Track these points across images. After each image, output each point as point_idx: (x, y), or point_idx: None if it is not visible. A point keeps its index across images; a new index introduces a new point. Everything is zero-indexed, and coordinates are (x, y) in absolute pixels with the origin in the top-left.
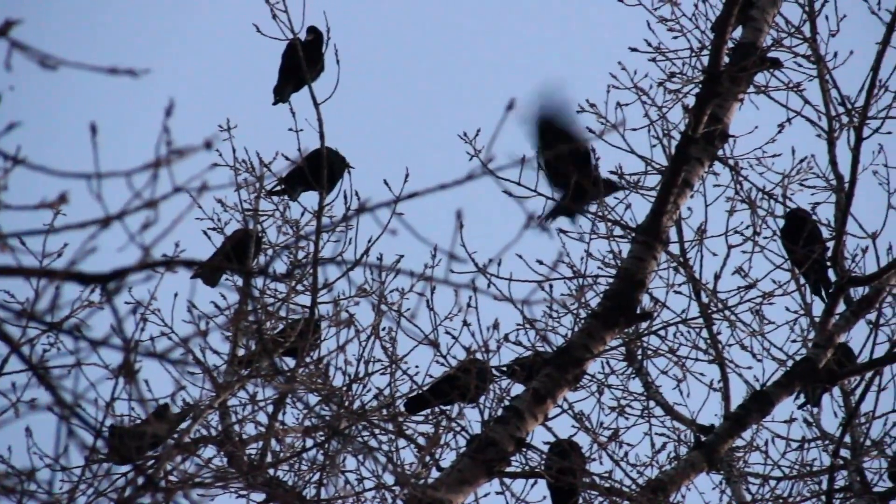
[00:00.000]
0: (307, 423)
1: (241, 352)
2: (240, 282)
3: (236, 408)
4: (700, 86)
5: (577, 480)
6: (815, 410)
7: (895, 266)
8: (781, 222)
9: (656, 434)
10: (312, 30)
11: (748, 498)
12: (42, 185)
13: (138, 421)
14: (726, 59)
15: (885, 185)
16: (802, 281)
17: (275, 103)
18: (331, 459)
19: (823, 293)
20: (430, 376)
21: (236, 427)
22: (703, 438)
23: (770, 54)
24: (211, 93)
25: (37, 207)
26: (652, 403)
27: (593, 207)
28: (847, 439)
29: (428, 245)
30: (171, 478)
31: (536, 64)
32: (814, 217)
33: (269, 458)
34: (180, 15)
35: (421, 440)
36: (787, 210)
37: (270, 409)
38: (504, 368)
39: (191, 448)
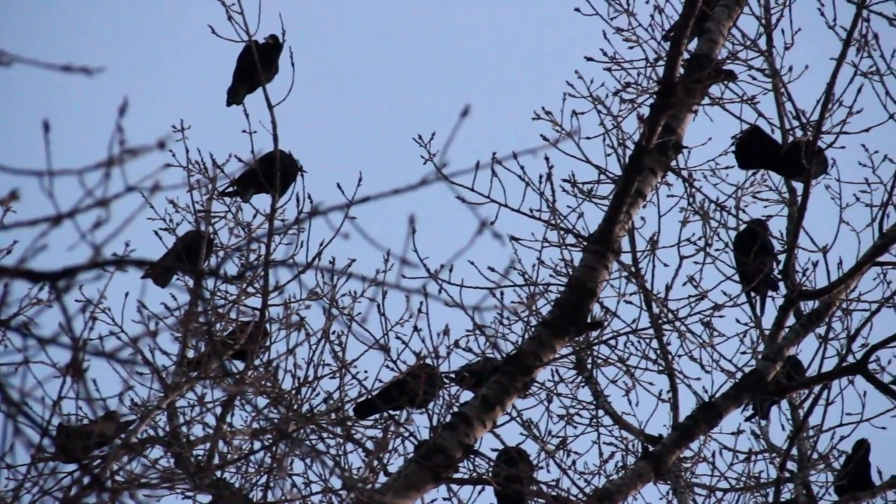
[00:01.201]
0: (255, 425)
1: (190, 353)
2: (190, 283)
3: (184, 409)
4: (655, 96)
5: (525, 488)
6: (763, 423)
7: (845, 281)
8: (734, 234)
9: (604, 443)
10: (268, 36)
11: None
12: None
13: (86, 420)
14: (681, 71)
15: (837, 200)
16: (754, 294)
17: (229, 105)
18: (278, 462)
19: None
20: (380, 381)
21: (184, 428)
22: (650, 448)
23: (725, 66)
24: (165, 93)
25: None
26: (601, 412)
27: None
28: (794, 452)
29: (380, 249)
30: (118, 478)
31: (493, 70)
32: (768, 229)
33: (216, 460)
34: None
35: (369, 445)
36: (742, 222)
37: (219, 410)
38: (453, 375)
39: (138, 448)
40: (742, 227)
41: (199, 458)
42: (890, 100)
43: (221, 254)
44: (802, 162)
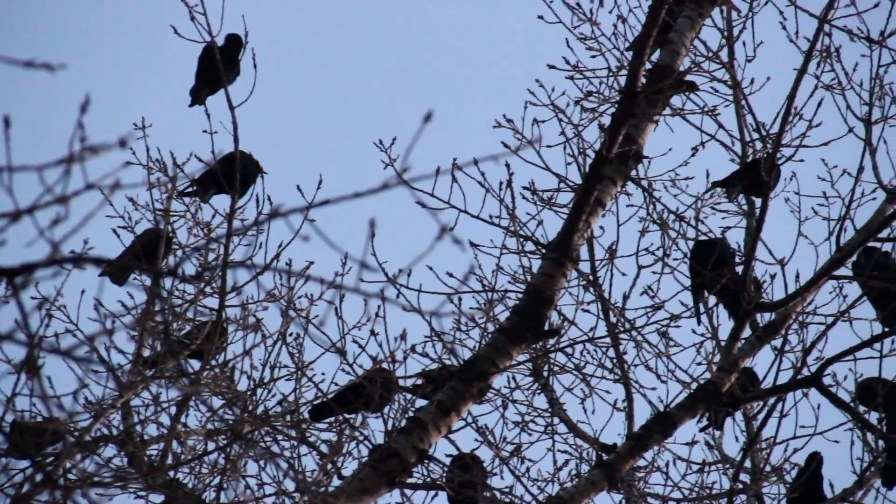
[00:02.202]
0: (210, 426)
1: (146, 352)
2: (148, 282)
3: (139, 408)
4: (616, 106)
5: (478, 494)
6: (717, 434)
7: (802, 293)
8: (691, 244)
9: (559, 451)
10: (230, 36)
11: None
12: None
13: (39, 417)
14: (643, 81)
15: (796, 213)
16: (712, 304)
17: (191, 105)
18: (232, 463)
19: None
20: (336, 384)
21: (138, 427)
22: (604, 457)
23: (687, 77)
24: (126, 91)
25: None
26: (556, 420)
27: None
28: (747, 464)
29: (339, 252)
30: (70, 476)
31: (456, 76)
32: (723, 243)
33: (169, 460)
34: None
35: (323, 448)
36: (701, 235)
37: (173, 410)
38: (412, 385)
39: (91, 447)
40: (700, 238)
41: (153, 457)
42: (850, 113)
43: (180, 253)
44: (761, 175)
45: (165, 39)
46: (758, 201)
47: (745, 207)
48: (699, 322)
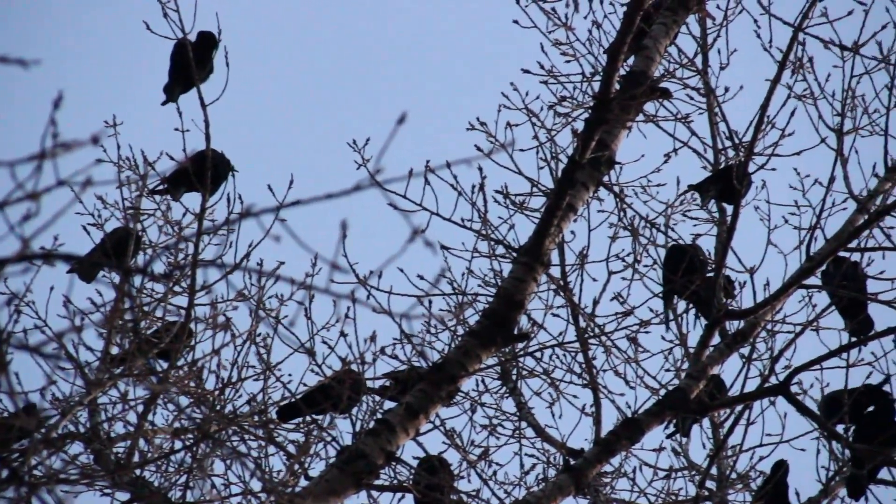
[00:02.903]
0: (177, 424)
1: (114, 350)
2: (117, 279)
3: (106, 405)
4: (590, 111)
5: (445, 497)
6: (684, 440)
7: (771, 302)
8: (662, 251)
9: (526, 455)
10: (203, 34)
11: None
12: None
13: (6, 413)
14: (617, 86)
15: (766, 221)
16: (681, 310)
17: (164, 103)
18: (199, 462)
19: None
20: (304, 385)
21: (105, 425)
22: (572, 462)
23: (661, 84)
24: (99, 88)
25: None
26: (524, 424)
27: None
28: (714, 471)
29: (310, 253)
30: (36, 472)
31: (430, 78)
32: (694, 250)
33: (136, 458)
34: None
35: (291, 448)
36: (671, 242)
37: (141, 408)
38: (380, 387)
39: (58, 444)
40: (671, 244)
41: (120, 455)
42: (822, 123)
43: (149, 252)
44: (733, 183)
45: (138, 36)
46: (729, 208)
47: (716, 215)
48: (668, 328)
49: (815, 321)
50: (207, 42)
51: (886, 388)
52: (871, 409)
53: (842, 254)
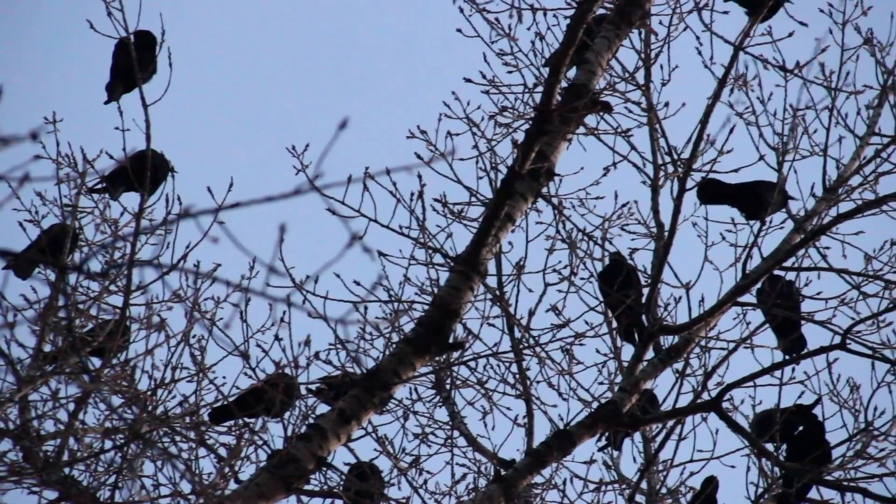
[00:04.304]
0: (108, 424)
1: (47, 347)
2: (52, 277)
3: (37, 403)
4: (530, 122)
5: None
6: (616, 454)
7: (706, 318)
8: (599, 264)
9: (457, 464)
10: (145, 33)
11: None
12: None
13: None
14: (558, 99)
15: (703, 238)
16: (614, 324)
17: (106, 102)
18: (129, 463)
19: (635, 338)
20: (237, 388)
21: (35, 422)
22: (502, 472)
23: (602, 98)
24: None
25: None
26: (456, 433)
27: None
28: (644, 485)
29: (247, 256)
30: None
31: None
32: (632, 262)
33: (65, 457)
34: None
35: (222, 451)
36: (608, 253)
37: (72, 407)
38: (314, 388)
39: None
40: (606, 258)
41: (49, 453)
42: (763, 142)
43: (86, 250)
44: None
45: (81, 34)
46: (667, 223)
47: (654, 230)
48: (631, 341)
49: (749, 339)
50: (149, 42)
51: (818, 409)
52: (801, 428)
53: (777, 272)
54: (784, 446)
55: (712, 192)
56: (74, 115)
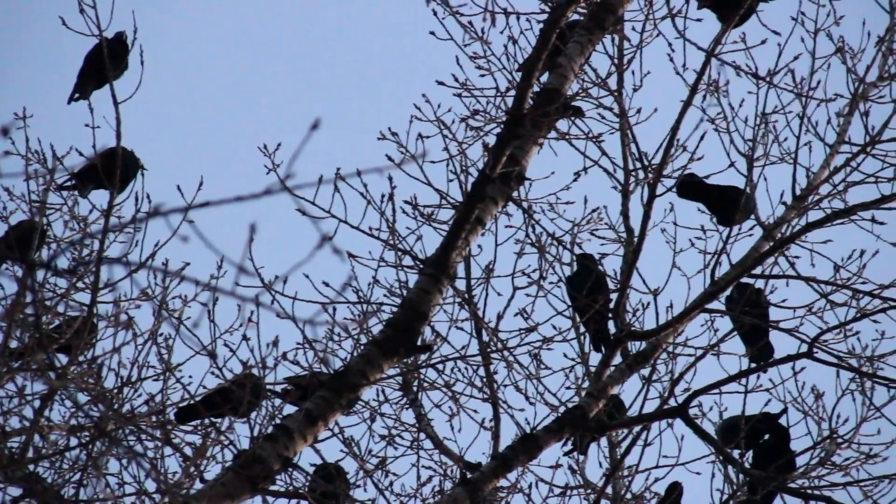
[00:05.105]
0: (74, 421)
1: (13, 343)
2: (20, 273)
3: (2, 399)
4: (502, 126)
5: None
6: (581, 459)
7: (674, 325)
8: (568, 269)
9: (423, 466)
10: (118, 35)
11: None
12: None
13: None
14: (530, 103)
15: (671, 244)
16: (582, 329)
17: (77, 99)
18: (94, 461)
19: (602, 344)
20: (204, 387)
21: (0, 419)
22: (468, 475)
23: (574, 102)
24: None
25: None
26: (422, 436)
27: None
28: (609, 490)
29: (216, 255)
30: None
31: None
32: (601, 266)
33: (30, 454)
34: None
35: (188, 450)
36: (577, 256)
37: (38, 403)
38: (280, 389)
39: None
40: (575, 262)
41: (14, 450)
42: (734, 149)
43: (54, 246)
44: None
45: (53, 30)
46: (636, 228)
47: (623, 235)
48: (598, 350)
49: (717, 346)
50: (123, 43)
51: (784, 418)
52: (766, 436)
53: (746, 280)
54: (749, 453)
55: (692, 187)
56: (45, 112)
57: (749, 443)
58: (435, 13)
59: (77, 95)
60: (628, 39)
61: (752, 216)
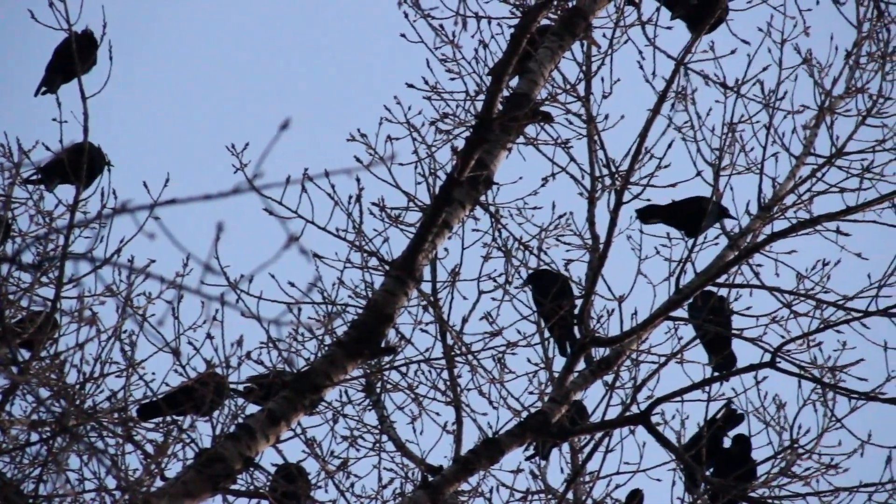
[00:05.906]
0: (35, 416)
1: None
2: None
3: None
4: (471, 130)
5: None
6: (543, 464)
7: (638, 332)
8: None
9: (385, 468)
10: (86, 31)
11: None
12: None
13: None
14: (500, 107)
15: (637, 251)
16: (547, 335)
17: (44, 93)
18: (54, 456)
19: (567, 349)
20: (167, 385)
21: None
22: (430, 478)
23: (543, 108)
24: None
25: None
26: (385, 438)
27: None
28: (570, 496)
29: (182, 252)
30: None
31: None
32: (567, 275)
33: None
34: None
35: (149, 447)
36: (537, 269)
37: None
38: (242, 388)
39: None
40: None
41: None
42: (700, 157)
43: (19, 240)
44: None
45: (20, 23)
46: (602, 235)
47: (589, 242)
48: (564, 354)
49: (680, 353)
50: (91, 38)
51: (744, 426)
52: (728, 445)
53: (710, 288)
54: (711, 462)
55: (652, 212)
56: (10, 105)
57: (710, 451)
58: (406, 16)
59: (45, 89)
60: (598, 46)
61: (720, 220)
